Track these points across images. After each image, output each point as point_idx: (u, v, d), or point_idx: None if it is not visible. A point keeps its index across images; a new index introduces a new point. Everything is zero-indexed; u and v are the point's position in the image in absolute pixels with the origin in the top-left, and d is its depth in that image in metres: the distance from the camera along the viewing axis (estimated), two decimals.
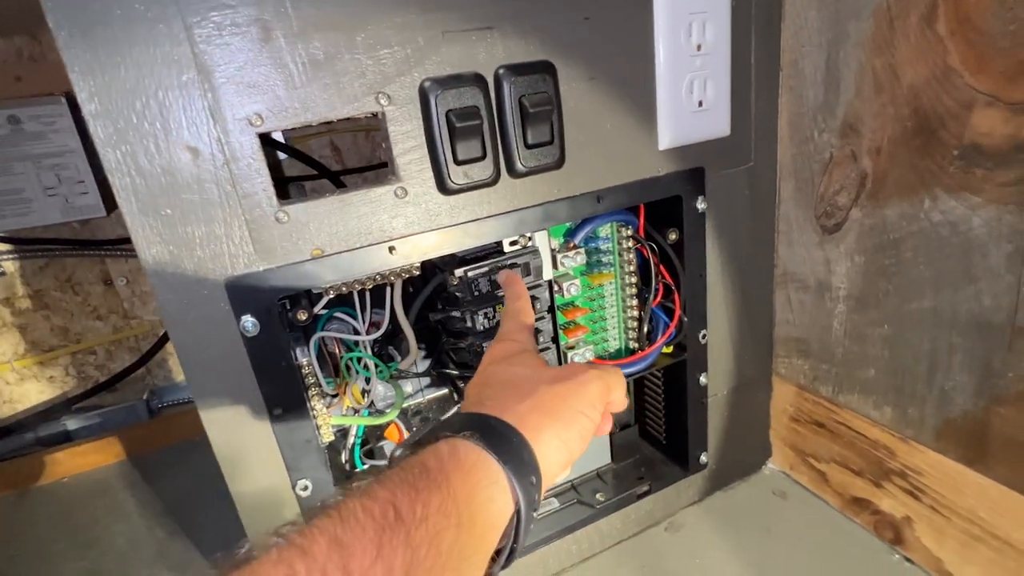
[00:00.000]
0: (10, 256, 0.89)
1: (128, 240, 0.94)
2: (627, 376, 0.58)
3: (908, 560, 0.56)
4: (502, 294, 0.49)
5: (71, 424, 0.96)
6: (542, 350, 0.53)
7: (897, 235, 0.50)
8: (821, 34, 0.51)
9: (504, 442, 0.29)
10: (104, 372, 1.00)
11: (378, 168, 1.07)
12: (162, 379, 1.04)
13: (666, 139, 0.50)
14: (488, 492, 0.27)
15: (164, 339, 0.99)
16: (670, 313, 0.57)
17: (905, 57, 0.45)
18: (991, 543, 0.48)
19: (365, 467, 0.50)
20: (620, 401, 0.36)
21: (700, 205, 0.54)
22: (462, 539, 0.25)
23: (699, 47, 0.49)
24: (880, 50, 0.47)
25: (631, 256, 0.56)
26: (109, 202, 0.86)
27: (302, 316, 0.44)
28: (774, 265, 0.62)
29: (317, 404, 0.47)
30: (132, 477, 0.88)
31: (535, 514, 0.30)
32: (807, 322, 0.61)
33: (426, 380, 0.58)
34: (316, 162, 0.85)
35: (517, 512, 0.28)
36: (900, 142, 0.48)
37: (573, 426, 0.32)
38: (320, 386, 0.47)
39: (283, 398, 0.43)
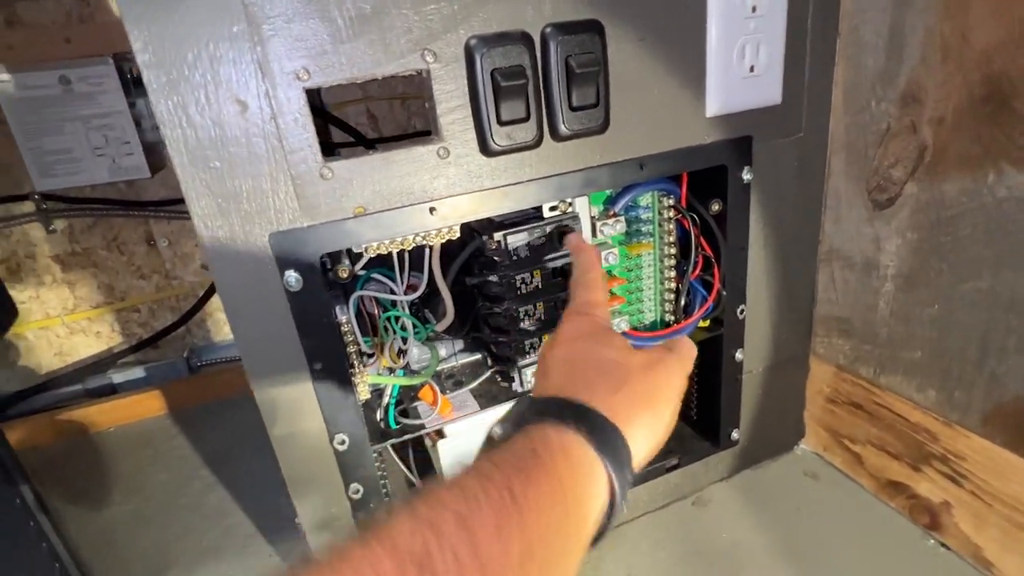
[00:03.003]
0: (61, 214, 0.92)
1: (170, 202, 0.97)
2: None
3: (944, 546, 0.55)
4: (539, 259, 0.49)
5: (116, 378, 1.00)
6: None
7: (955, 211, 0.48)
8: None
9: (605, 438, 0.29)
10: (147, 329, 1.04)
11: (414, 137, 1.07)
12: (201, 338, 1.07)
13: (714, 106, 0.49)
14: (591, 488, 0.27)
15: (203, 300, 1.02)
16: (708, 287, 0.56)
17: (979, 18, 0.43)
18: None
19: (398, 426, 0.51)
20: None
21: (746, 176, 0.52)
22: (566, 528, 0.26)
23: (754, 9, 0.47)
24: (950, 12, 0.44)
25: (671, 227, 0.55)
26: (153, 164, 0.88)
27: (343, 274, 0.45)
28: (819, 241, 0.60)
29: (355, 362, 0.48)
30: (173, 430, 0.92)
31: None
32: (851, 301, 0.59)
33: (460, 344, 0.58)
34: (353, 129, 0.86)
35: (611, 506, 0.28)
36: (966, 112, 0.45)
37: (662, 416, 0.32)
38: (358, 344, 0.48)
39: (323, 354, 0.43)
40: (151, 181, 0.94)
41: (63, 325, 0.99)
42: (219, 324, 1.08)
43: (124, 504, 0.76)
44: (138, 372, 1.01)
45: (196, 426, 0.92)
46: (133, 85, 0.85)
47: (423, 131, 1.07)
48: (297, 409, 0.45)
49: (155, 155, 0.90)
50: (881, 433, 0.59)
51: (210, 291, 1.01)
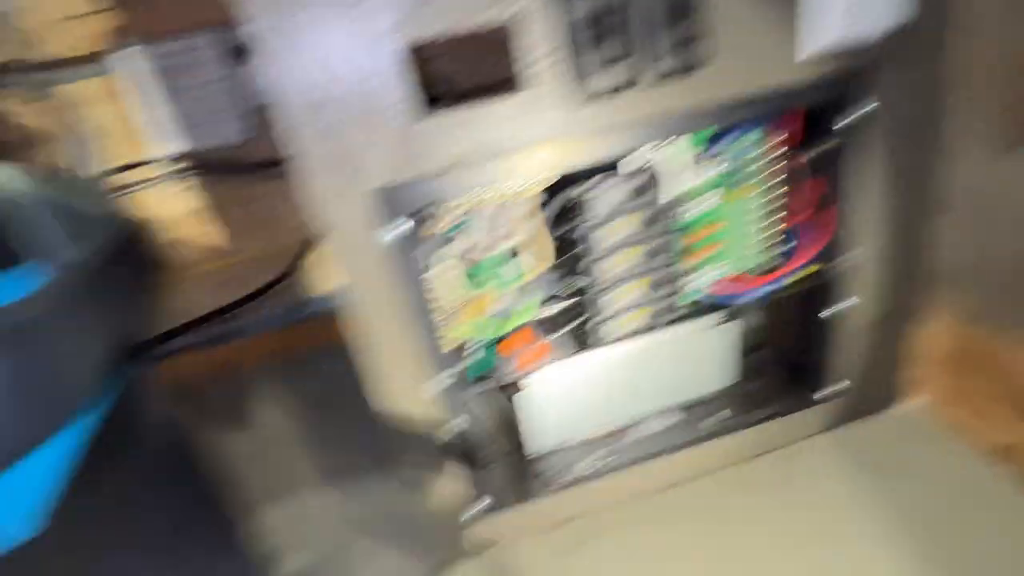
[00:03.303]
0: (179, 177, 1.01)
1: (274, 163, 1.03)
2: (765, 296, 0.55)
3: None
4: (632, 207, 0.48)
5: (234, 326, 1.10)
6: (671, 265, 0.52)
7: None
8: None
9: None
10: (259, 281, 1.13)
11: (494, 88, 1.05)
12: (308, 289, 1.15)
13: (834, 30, 0.44)
14: None
15: (302, 255, 1.09)
16: (818, 231, 0.53)
17: None
18: None
19: (487, 371, 0.53)
20: None
21: (868, 109, 0.47)
22: None
23: None
24: None
25: (780, 166, 0.51)
26: (260, 127, 0.94)
27: (441, 226, 0.46)
28: (947, 183, 0.54)
29: (448, 310, 0.50)
30: (286, 374, 1.02)
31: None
32: (976, 250, 0.53)
33: (549, 293, 0.59)
34: (439, 81, 0.86)
35: None
36: None
37: None
38: (452, 293, 0.50)
39: (419, 302, 0.46)
40: (255, 143, 1.00)
41: (190, 278, 1.10)
42: (323, 275, 1.15)
43: (246, 444, 0.85)
44: (253, 320, 1.11)
45: (307, 369, 1.01)
46: (237, 53, 0.89)
47: (503, 81, 1.05)
48: (398, 355, 0.47)
49: (260, 118, 0.95)
50: (1003, 393, 0.54)
51: (307, 247, 1.08)
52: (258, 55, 0.37)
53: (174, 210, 1.03)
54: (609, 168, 0.48)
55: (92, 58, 0.89)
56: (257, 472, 0.78)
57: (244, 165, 1.01)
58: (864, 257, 0.55)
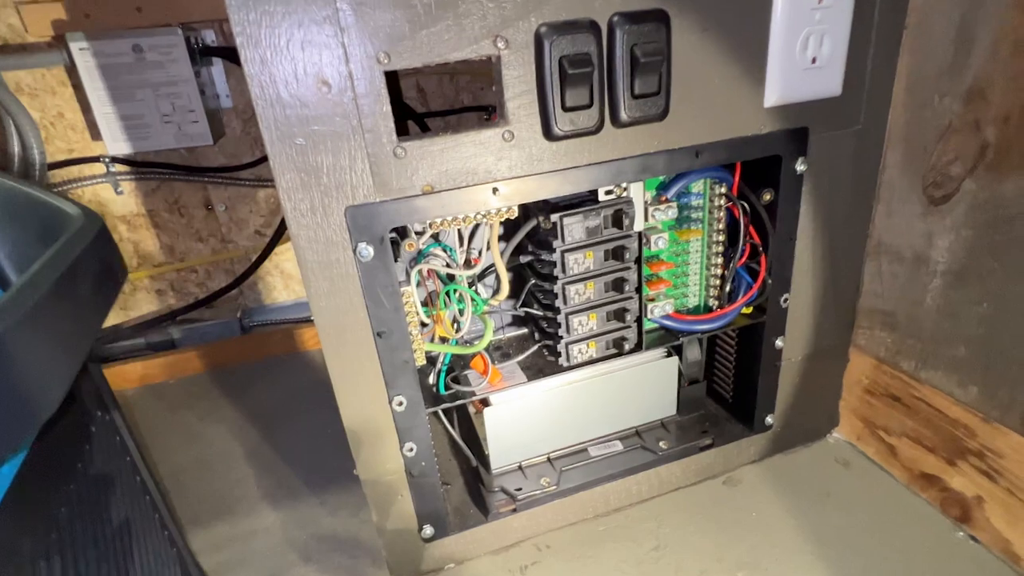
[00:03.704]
0: (127, 177, 0.98)
1: (228, 169, 1.01)
2: (703, 333, 0.59)
3: (973, 539, 0.56)
4: (593, 241, 0.51)
5: (175, 334, 1.06)
6: (625, 299, 0.55)
7: (1014, 211, 0.48)
8: None
9: None
10: (203, 290, 1.09)
11: (461, 112, 1.08)
12: (253, 300, 1.13)
13: (773, 96, 0.49)
14: None
15: (256, 264, 1.07)
16: (754, 274, 0.57)
17: None
18: None
19: (449, 392, 0.54)
20: None
21: (800, 167, 0.53)
22: None
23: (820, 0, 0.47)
24: None
25: (721, 214, 0.56)
26: (216, 132, 0.92)
27: (410, 247, 0.47)
28: (868, 234, 0.61)
29: (413, 330, 0.51)
30: (226, 386, 0.98)
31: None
32: (897, 295, 0.60)
33: (508, 318, 0.61)
34: (404, 103, 0.88)
35: None
36: None
37: None
38: (418, 314, 0.51)
39: (387, 320, 0.47)
40: (210, 148, 0.99)
41: (128, 282, 1.05)
42: (270, 288, 1.13)
43: (188, 450, 0.82)
44: (194, 330, 1.07)
45: (248, 382, 0.98)
46: (200, 55, 0.88)
47: (470, 106, 1.09)
48: (361, 371, 0.48)
49: (216, 123, 0.94)
50: (917, 426, 0.60)
51: (263, 255, 1.06)
52: (244, 68, 0.38)
53: (117, 211, 0.99)
54: (573, 204, 0.51)
55: (44, 47, 0.86)
56: (199, 487, 0.75)
57: (196, 169, 0.99)
58: (795, 300, 0.60)
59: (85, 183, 0.96)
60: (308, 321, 1.10)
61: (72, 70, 0.85)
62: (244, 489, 0.74)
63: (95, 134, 0.93)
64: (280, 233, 1.04)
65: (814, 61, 0.49)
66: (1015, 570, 0.53)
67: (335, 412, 0.49)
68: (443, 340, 0.55)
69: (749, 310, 0.60)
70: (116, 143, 0.89)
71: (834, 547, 0.57)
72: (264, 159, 1.01)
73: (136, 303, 1.08)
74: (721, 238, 0.57)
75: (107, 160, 0.95)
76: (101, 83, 0.84)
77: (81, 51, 0.82)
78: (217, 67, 0.95)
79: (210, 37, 0.92)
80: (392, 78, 0.41)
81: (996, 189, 0.49)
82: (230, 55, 0.93)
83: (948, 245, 0.54)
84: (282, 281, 1.12)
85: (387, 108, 0.41)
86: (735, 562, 0.57)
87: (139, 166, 0.97)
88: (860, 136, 0.55)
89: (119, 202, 1.00)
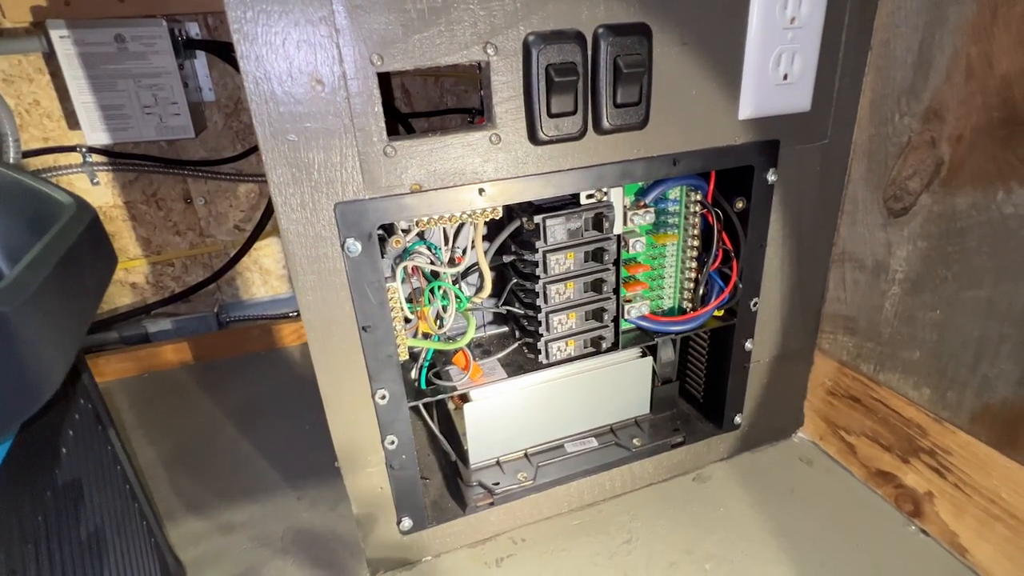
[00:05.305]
0: (105, 168, 0.96)
1: (208, 162, 1.00)
2: (676, 334, 0.62)
3: (924, 532, 0.59)
4: (574, 242, 0.53)
5: (150, 327, 1.05)
6: (603, 300, 0.57)
7: (964, 224, 0.51)
8: (919, 15, 0.51)
9: None
10: (180, 284, 1.08)
11: (445, 114, 1.10)
12: (230, 296, 1.12)
13: (747, 109, 0.52)
14: None
15: (235, 259, 1.06)
16: (726, 279, 0.60)
17: (1003, 46, 0.46)
18: (1009, 522, 0.51)
19: (431, 387, 0.55)
20: None
21: (771, 177, 0.56)
22: None
23: (793, 20, 0.50)
24: (978, 37, 0.47)
25: (696, 220, 0.58)
26: (198, 125, 0.92)
27: (396, 244, 0.49)
28: (833, 243, 0.64)
29: (397, 325, 0.52)
30: (202, 380, 0.97)
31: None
32: (858, 301, 0.63)
33: (490, 316, 0.62)
34: (390, 104, 0.89)
35: None
36: (983, 132, 0.48)
37: None
38: (403, 309, 0.52)
39: (372, 315, 0.48)
40: (191, 141, 0.98)
41: None
42: (248, 283, 1.12)
43: (163, 444, 0.81)
44: (170, 324, 1.06)
45: (224, 377, 0.98)
46: (184, 47, 0.88)
47: (455, 108, 1.10)
48: (345, 364, 0.49)
49: (198, 116, 0.93)
50: (875, 426, 0.63)
51: (242, 250, 1.06)
52: (240, 65, 0.39)
53: (93, 201, 0.98)
54: (556, 207, 0.53)
55: (22, 33, 0.85)
56: (175, 480, 0.74)
57: (176, 162, 0.98)
58: (764, 304, 0.63)
59: (60, 172, 0.95)
60: (286, 317, 1.10)
61: (50, 57, 0.84)
62: (221, 483, 0.73)
63: (72, 123, 0.92)
64: (260, 228, 1.03)
65: (785, 78, 0.52)
66: (962, 561, 0.56)
67: (313, 409, 0.49)
68: (426, 336, 0.56)
69: (720, 313, 0.63)
70: (95, 133, 0.88)
71: (796, 540, 0.60)
72: (246, 153, 1.01)
73: (109, 296, 1.06)
74: (696, 243, 0.59)
75: (84, 150, 0.94)
76: (81, 72, 0.83)
77: (62, 39, 0.81)
78: (200, 60, 0.94)
79: (194, 30, 0.92)
80: (383, 79, 0.42)
81: (949, 203, 0.52)
82: (214, 48, 0.92)
83: (906, 255, 0.57)
84: (261, 277, 1.12)
85: (379, 108, 0.42)
86: (704, 554, 0.59)
87: (117, 157, 0.96)
88: (827, 150, 0.58)
89: (95, 193, 0.98)
